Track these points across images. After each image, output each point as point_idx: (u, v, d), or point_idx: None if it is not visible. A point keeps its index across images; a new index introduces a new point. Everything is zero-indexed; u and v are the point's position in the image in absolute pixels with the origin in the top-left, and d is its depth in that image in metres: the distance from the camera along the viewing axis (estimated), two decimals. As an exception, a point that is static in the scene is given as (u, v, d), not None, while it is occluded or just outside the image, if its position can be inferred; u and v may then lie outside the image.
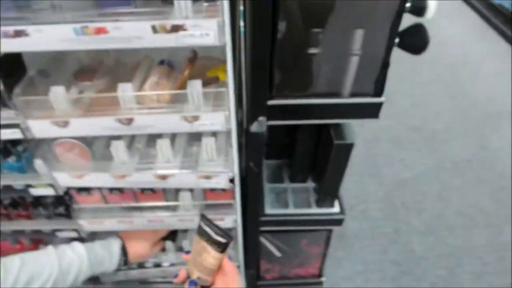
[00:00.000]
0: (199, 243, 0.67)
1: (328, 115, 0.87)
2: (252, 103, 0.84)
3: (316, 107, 0.85)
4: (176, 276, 0.72)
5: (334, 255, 1.83)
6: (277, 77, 0.81)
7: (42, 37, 0.66)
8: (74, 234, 1.18)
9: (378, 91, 0.85)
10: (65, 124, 0.85)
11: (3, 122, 0.85)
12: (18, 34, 0.65)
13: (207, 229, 0.65)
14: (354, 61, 0.78)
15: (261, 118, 0.86)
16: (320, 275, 1.50)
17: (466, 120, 2.62)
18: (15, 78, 0.84)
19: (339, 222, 1.18)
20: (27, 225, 1.16)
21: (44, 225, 1.16)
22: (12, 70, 0.83)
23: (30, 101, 0.83)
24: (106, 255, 1.04)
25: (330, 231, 1.26)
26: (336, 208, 1.19)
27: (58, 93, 0.82)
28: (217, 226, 0.65)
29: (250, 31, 0.72)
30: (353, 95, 0.85)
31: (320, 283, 1.53)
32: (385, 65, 0.81)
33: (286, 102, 0.84)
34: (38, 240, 1.31)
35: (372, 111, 0.87)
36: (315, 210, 1.18)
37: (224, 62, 0.76)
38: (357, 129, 0.98)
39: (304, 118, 0.88)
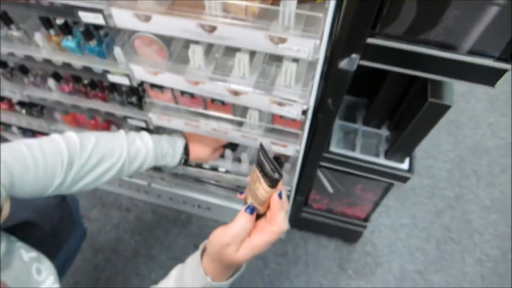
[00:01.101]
0: (255, 172, 0.65)
1: (435, 70, 0.74)
2: (348, 37, 0.73)
3: (423, 57, 0.72)
4: (241, 193, 0.72)
5: (385, 202, 1.77)
6: (386, 13, 0.68)
7: None
8: (142, 124, 1.23)
9: (507, 55, 0.69)
10: (147, 18, 0.81)
11: (87, 4, 0.84)
12: None
13: (263, 161, 0.62)
14: (492, 12, 0.62)
15: (354, 56, 0.75)
16: (366, 219, 1.49)
17: None
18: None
19: (404, 180, 1.11)
20: (102, 107, 1.21)
21: (117, 110, 1.21)
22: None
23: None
24: (170, 150, 1.07)
25: (391, 184, 1.19)
26: (405, 165, 1.10)
27: (145, -16, 0.76)
28: (271, 161, 0.62)
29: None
30: (472, 52, 0.70)
31: (364, 226, 1.52)
32: (530, 23, 0.64)
33: (388, 43, 0.72)
34: (110, 121, 1.38)
35: (490, 77, 0.72)
36: (382, 161, 1.10)
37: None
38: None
39: (404, 67, 0.75)
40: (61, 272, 1.06)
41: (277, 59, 0.97)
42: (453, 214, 1.77)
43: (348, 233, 1.60)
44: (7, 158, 0.72)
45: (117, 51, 0.95)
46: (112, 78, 1.05)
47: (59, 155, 0.81)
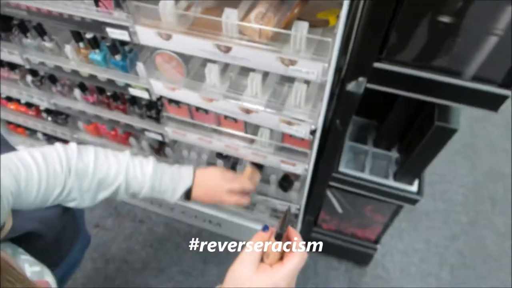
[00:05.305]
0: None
1: (439, 94, 0.76)
2: (356, 61, 0.76)
3: (428, 82, 0.74)
4: (264, 229, 0.65)
5: (398, 225, 1.76)
6: (392, 40, 0.72)
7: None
8: (159, 138, 1.29)
9: (508, 82, 0.71)
10: (168, 37, 0.87)
11: (115, 21, 0.90)
12: None
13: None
14: (492, 42, 0.65)
15: (361, 79, 0.78)
16: (376, 241, 1.48)
17: None
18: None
19: (413, 202, 1.11)
20: (122, 118, 1.28)
21: (136, 122, 1.27)
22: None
23: (141, 7, 0.85)
24: (170, 189, 0.98)
25: (400, 206, 1.19)
26: (414, 187, 1.11)
27: (167, 5, 0.82)
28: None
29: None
30: (475, 79, 0.72)
31: (375, 248, 1.51)
32: (530, 53, 0.66)
33: (395, 68, 0.74)
34: (129, 133, 1.44)
35: (493, 102, 0.73)
36: (391, 182, 1.11)
37: (339, 5, 0.69)
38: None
39: (410, 91, 0.78)
40: (63, 279, 1.05)
41: (290, 80, 1.01)
42: (467, 240, 1.74)
43: (358, 255, 1.59)
44: (12, 166, 0.71)
45: (140, 66, 1.02)
46: (133, 91, 1.12)
47: (60, 165, 0.80)
